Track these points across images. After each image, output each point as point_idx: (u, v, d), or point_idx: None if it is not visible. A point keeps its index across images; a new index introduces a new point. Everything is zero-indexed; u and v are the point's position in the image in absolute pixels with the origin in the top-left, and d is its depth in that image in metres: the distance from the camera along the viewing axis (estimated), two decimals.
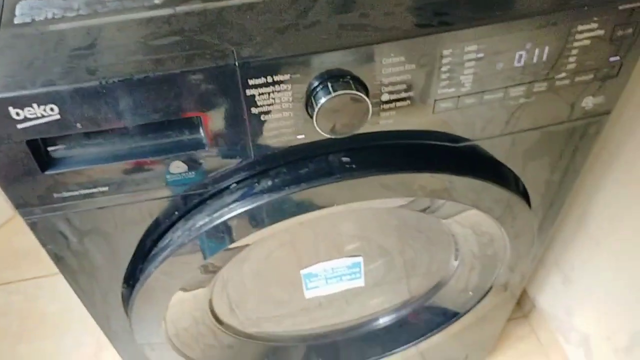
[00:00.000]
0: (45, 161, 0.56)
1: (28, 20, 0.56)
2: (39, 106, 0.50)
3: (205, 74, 0.51)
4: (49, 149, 0.56)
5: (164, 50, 0.52)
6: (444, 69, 0.56)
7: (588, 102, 0.64)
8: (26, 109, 0.50)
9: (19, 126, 0.51)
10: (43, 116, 0.51)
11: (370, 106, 0.55)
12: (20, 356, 1.35)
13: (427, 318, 0.95)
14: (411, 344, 0.97)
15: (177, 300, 0.74)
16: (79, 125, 0.52)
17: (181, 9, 0.56)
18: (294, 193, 0.61)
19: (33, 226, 0.61)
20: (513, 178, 0.72)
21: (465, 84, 0.58)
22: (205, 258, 0.65)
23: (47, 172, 0.56)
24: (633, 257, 0.90)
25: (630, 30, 0.58)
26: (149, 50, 0.52)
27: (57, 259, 0.67)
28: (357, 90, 0.54)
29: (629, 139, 0.84)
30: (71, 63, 0.51)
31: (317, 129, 0.56)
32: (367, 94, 0.55)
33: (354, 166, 0.62)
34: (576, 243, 1.03)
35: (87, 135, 0.56)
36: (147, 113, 0.53)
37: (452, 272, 0.87)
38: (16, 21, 0.56)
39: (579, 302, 1.08)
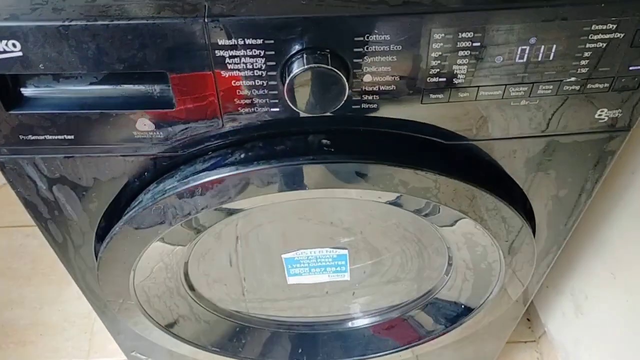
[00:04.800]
0: (12, 100, 0.54)
1: None
2: (1, 40, 0.49)
3: (172, 27, 0.48)
4: (21, 89, 0.55)
5: None
6: (434, 54, 0.51)
7: (603, 115, 0.58)
8: None
9: None
10: (5, 51, 0.49)
11: (347, 85, 0.50)
12: (24, 297, 1.38)
13: (415, 326, 0.90)
14: (396, 350, 0.92)
15: (149, 265, 0.72)
16: (41, 66, 0.50)
17: None
18: (264, 169, 0.57)
19: (1, 166, 0.60)
20: (514, 189, 0.66)
21: (459, 75, 0.52)
22: (169, 224, 0.62)
23: (11, 112, 0.54)
24: None
25: None
26: None
27: (27, 204, 0.66)
28: (334, 66, 0.49)
29: None
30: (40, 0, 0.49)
31: (288, 102, 0.52)
32: (346, 72, 0.51)
33: (332, 149, 0.58)
34: (592, 272, 0.95)
35: (56, 79, 0.54)
36: (111, 62, 0.50)
37: (444, 281, 0.82)
38: None
39: (588, 334, 1.00)
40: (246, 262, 0.80)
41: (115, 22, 0.48)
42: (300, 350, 0.94)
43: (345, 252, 0.78)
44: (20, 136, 0.57)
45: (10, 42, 0.49)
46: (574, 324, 1.04)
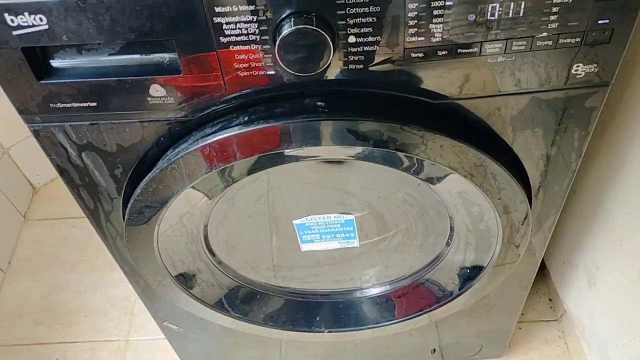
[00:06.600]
0: (42, 71, 0.62)
1: None
2: (29, 15, 0.56)
3: None
4: (51, 61, 0.63)
5: None
6: (411, 14, 0.56)
7: (579, 70, 0.61)
8: (19, 16, 0.56)
9: (14, 32, 0.57)
10: (34, 25, 0.57)
11: (331, 45, 0.56)
12: (70, 283, 1.48)
13: (425, 293, 0.94)
14: (409, 317, 0.96)
15: (170, 230, 0.78)
16: (65, 37, 0.58)
17: None
18: (263, 128, 0.63)
19: (36, 134, 0.68)
20: (503, 148, 0.70)
21: (436, 34, 0.57)
22: (183, 184, 0.69)
23: (42, 82, 0.62)
24: None
25: None
26: None
27: (61, 172, 0.74)
28: (319, 27, 0.55)
29: None
30: None
31: (280, 63, 0.57)
32: (332, 33, 0.56)
33: (326, 110, 0.63)
34: (601, 242, 0.97)
35: (79, 52, 0.62)
36: (124, 32, 0.57)
37: (449, 246, 0.86)
38: None
39: (600, 305, 1.02)
40: (261, 230, 0.86)
41: None
42: (318, 319, 0.99)
43: (351, 217, 0.83)
44: (50, 104, 0.64)
45: (38, 16, 0.56)
46: (588, 296, 1.06)
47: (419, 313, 0.95)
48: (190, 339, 1.11)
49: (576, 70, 0.61)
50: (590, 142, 0.87)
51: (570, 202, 1.04)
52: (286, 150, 0.65)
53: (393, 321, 0.98)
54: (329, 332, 1.00)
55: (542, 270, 1.30)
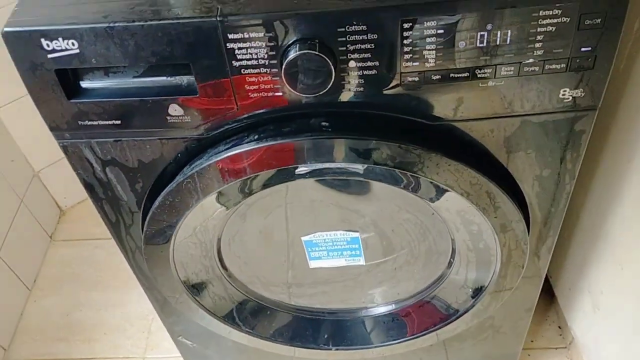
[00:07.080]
0: (72, 91, 0.68)
1: None
2: (63, 40, 0.63)
3: (192, 25, 0.61)
4: (80, 82, 0.69)
5: (165, 3, 0.62)
6: (406, 41, 0.61)
7: (566, 94, 0.65)
8: (54, 41, 0.63)
9: (49, 56, 0.64)
10: (66, 49, 0.63)
11: (332, 68, 0.61)
12: (91, 301, 1.53)
13: (429, 312, 0.97)
14: (414, 336, 0.99)
15: (185, 242, 0.83)
16: (94, 60, 0.64)
17: None
18: (271, 145, 0.68)
19: (65, 150, 0.74)
20: (498, 168, 0.74)
21: (429, 59, 0.62)
22: (197, 197, 0.74)
23: (72, 101, 0.68)
24: None
25: (598, 20, 0.59)
26: (153, 2, 0.63)
27: (87, 186, 0.80)
28: (321, 52, 0.60)
29: None
30: (93, 7, 0.63)
31: (286, 84, 0.63)
32: (333, 58, 0.62)
33: (329, 129, 0.68)
34: (603, 266, 0.99)
35: (107, 74, 0.68)
36: (147, 56, 0.63)
37: (451, 265, 0.89)
38: None
39: (605, 329, 1.03)
40: (271, 246, 0.90)
41: (149, 22, 0.61)
42: (325, 336, 1.03)
43: (357, 235, 0.87)
44: (79, 122, 0.70)
45: (70, 41, 0.63)
46: (593, 321, 1.07)
47: (425, 332, 0.98)
48: (204, 356, 1.14)
49: (563, 95, 0.65)
50: (587, 165, 0.91)
51: (574, 227, 1.07)
52: (292, 167, 0.69)
53: (400, 340, 1.00)
54: (337, 349, 1.03)
55: (551, 298, 1.31)
